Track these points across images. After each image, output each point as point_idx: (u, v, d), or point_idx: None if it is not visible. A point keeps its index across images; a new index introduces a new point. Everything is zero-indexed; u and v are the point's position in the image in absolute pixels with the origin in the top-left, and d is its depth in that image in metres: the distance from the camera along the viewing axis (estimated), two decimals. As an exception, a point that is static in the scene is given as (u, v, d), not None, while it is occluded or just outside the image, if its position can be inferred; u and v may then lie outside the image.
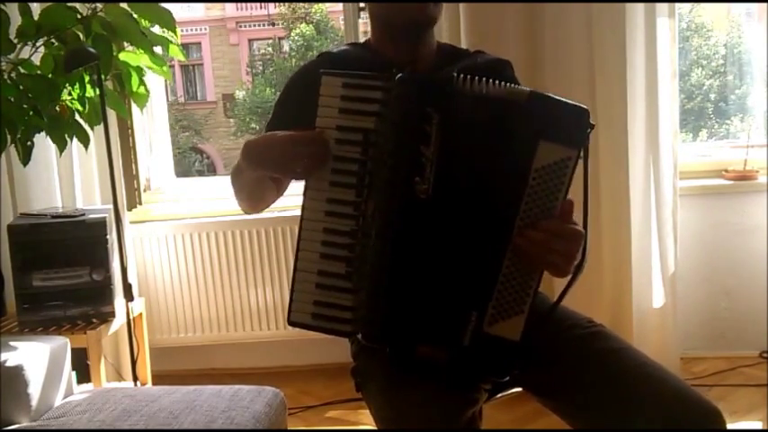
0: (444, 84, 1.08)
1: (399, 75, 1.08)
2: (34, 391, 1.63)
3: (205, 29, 13.61)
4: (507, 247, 1.08)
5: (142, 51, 2.13)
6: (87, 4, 2.07)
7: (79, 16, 2.03)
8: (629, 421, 1.11)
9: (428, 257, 1.10)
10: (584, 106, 1.07)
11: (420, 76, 1.16)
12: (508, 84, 1.07)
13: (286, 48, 13.27)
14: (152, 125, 2.91)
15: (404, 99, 1.08)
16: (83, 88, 2.13)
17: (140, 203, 2.86)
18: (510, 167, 1.07)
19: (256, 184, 1.30)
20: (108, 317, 2.25)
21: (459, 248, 1.09)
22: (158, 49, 2.18)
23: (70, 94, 2.14)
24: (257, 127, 12.68)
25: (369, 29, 2.84)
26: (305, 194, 1.14)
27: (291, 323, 1.16)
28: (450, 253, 1.10)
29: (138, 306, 2.43)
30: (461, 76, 1.07)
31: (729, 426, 1.13)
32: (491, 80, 1.07)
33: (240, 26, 13.71)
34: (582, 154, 1.06)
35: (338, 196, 1.11)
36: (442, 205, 1.08)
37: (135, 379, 2.19)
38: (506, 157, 1.07)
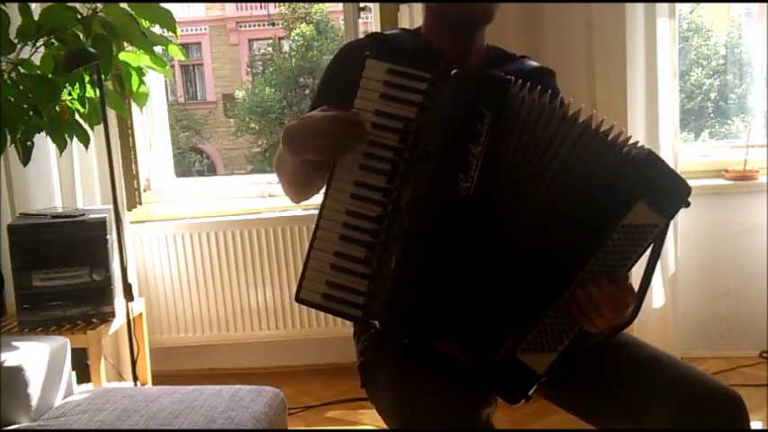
0: (501, 85, 1.07)
1: (455, 69, 1.08)
2: (34, 391, 1.63)
3: (205, 29, 13.61)
4: (569, 285, 1.08)
5: (142, 51, 2.13)
6: (87, 4, 2.07)
7: (79, 16, 2.03)
8: (648, 410, 1.10)
9: (466, 257, 1.09)
10: (689, 185, 1.08)
11: (477, 73, 1.14)
12: (621, 136, 1.08)
13: (286, 48, 13.26)
14: (152, 125, 2.91)
15: (457, 94, 1.07)
16: (83, 88, 2.13)
17: (140, 203, 2.86)
18: (595, 208, 1.06)
19: (299, 171, 1.25)
20: (108, 317, 2.25)
21: (509, 263, 1.09)
22: (158, 49, 2.18)
23: (70, 94, 2.14)
24: (257, 127, 12.68)
25: (369, 29, 2.84)
26: (332, 174, 1.12)
27: (300, 300, 1.14)
28: (497, 263, 1.09)
29: (138, 306, 2.43)
30: (518, 81, 1.07)
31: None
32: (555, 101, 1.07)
33: (240, 26, 13.71)
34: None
35: (367, 180, 1.11)
36: (481, 205, 1.07)
37: (135, 379, 2.19)
38: (593, 195, 1.06)
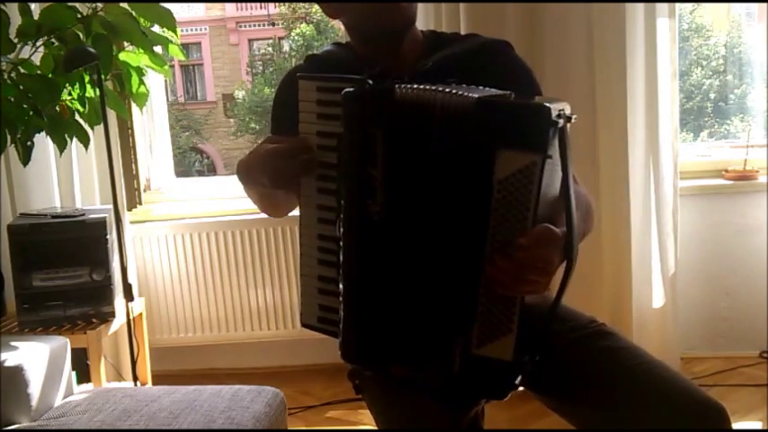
0: (384, 97, 1.02)
1: (346, 90, 1.03)
2: (34, 391, 1.63)
3: (205, 29, 13.60)
4: (483, 266, 1.01)
5: (142, 51, 2.13)
6: (87, 4, 2.07)
7: (79, 16, 2.03)
8: (633, 419, 1.10)
9: (394, 280, 1.07)
10: (545, 104, 0.97)
11: (359, 92, 1.04)
12: (454, 90, 1.01)
13: (286, 48, 13.25)
14: (152, 125, 2.91)
15: (347, 118, 1.04)
16: (83, 88, 2.13)
17: (140, 203, 2.86)
18: (470, 182, 1.00)
19: (265, 196, 1.28)
20: (108, 317, 2.25)
21: (429, 271, 1.05)
22: (158, 49, 2.18)
23: (70, 94, 2.14)
24: (257, 127, 12.67)
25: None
26: (300, 201, 1.14)
27: (303, 325, 1.18)
28: (419, 276, 1.06)
29: (138, 306, 2.43)
30: (402, 86, 1.02)
31: (730, 425, 1.12)
32: (438, 86, 1.01)
33: (240, 26, 13.70)
34: (552, 154, 0.97)
35: (326, 203, 1.11)
36: (397, 225, 1.04)
37: (135, 379, 2.19)
38: (464, 171, 1.00)
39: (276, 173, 1.11)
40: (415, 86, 1.02)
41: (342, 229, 1.07)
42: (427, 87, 1.02)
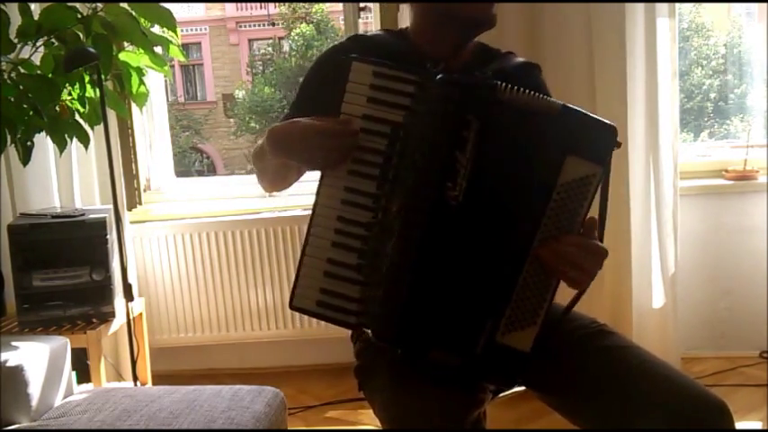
0: (488, 91, 1.06)
1: (440, 75, 1.07)
2: (34, 391, 1.63)
3: (205, 29, 13.60)
4: (526, 259, 1.07)
5: (142, 51, 2.13)
6: (87, 4, 2.07)
7: (79, 16, 2.03)
8: (635, 417, 1.10)
9: (451, 263, 1.09)
10: (613, 124, 1.06)
11: (463, 79, 1.11)
12: (540, 94, 1.06)
13: (286, 48, 13.25)
14: (152, 125, 2.91)
15: (443, 101, 1.06)
16: (83, 88, 2.13)
17: (140, 203, 2.86)
18: (536, 180, 1.06)
19: (280, 168, 1.27)
20: (108, 317, 2.25)
21: (481, 257, 1.09)
22: (158, 49, 2.18)
23: (70, 94, 2.14)
24: (257, 126, 12.67)
25: (369, 29, 2.83)
26: (321, 180, 1.12)
27: (294, 308, 1.16)
28: (473, 261, 1.09)
29: (138, 306, 2.43)
30: (504, 84, 1.06)
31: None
32: (527, 90, 1.07)
33: (240, 26, 13.70)
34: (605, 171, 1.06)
35: (357, 186, 1.10)
36: (470, 212, 1.07)
37: (135, 379, 2.19)
38: (534, 169, 1.06)
39: (315, 150, 1.10)
40: (514, 87, 1.07)
41: (404, 210, 1.07)
42: (522, 90, 1.06)
